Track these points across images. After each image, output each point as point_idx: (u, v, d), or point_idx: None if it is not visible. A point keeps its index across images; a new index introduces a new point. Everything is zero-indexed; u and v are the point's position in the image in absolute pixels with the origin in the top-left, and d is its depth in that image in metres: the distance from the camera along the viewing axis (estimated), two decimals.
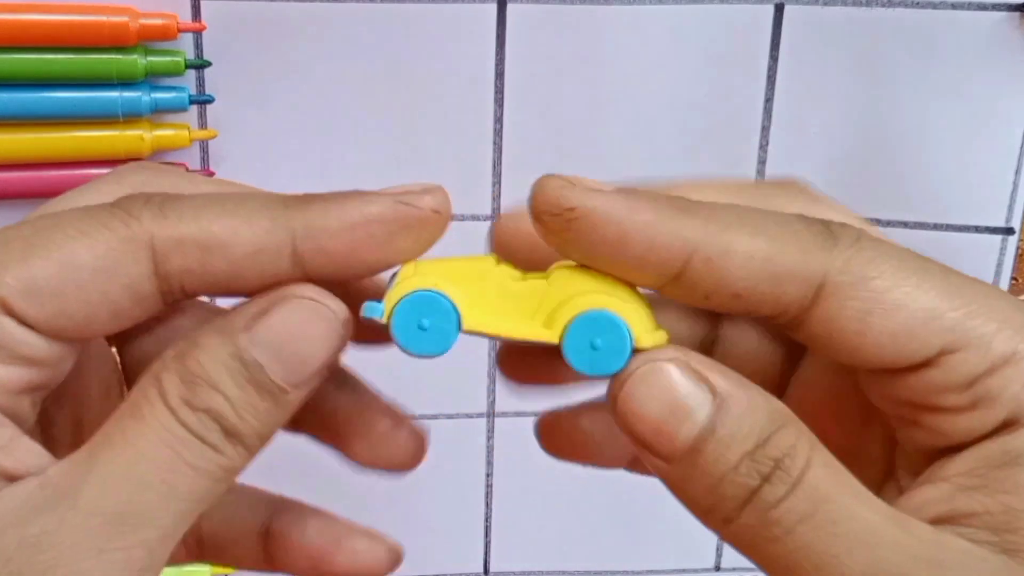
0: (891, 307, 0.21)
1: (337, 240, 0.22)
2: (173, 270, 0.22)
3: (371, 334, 0.24)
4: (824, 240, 0.22)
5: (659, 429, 0.21)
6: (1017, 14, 0.44)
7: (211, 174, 0.44)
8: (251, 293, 0.23)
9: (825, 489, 0.21)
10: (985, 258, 0.48)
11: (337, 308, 0.22)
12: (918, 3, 0.44)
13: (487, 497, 0.51)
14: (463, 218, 0.46)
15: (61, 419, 0.25)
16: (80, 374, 0.25)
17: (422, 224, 0.23)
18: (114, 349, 0.26)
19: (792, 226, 0.22)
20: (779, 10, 0.44)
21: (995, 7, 0.44)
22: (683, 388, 0.21)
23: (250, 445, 0.22)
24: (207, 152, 0.44)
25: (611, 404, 0.22)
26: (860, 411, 0.24)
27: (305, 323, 0.22)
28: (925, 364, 0.21)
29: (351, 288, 0.24)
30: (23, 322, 0.21)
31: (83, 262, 0.21)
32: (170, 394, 0.21)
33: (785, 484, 0.20)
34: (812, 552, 0.20)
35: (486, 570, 0.53)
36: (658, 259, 0.21)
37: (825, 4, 0.44)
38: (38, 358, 0.22)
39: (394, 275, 0.23)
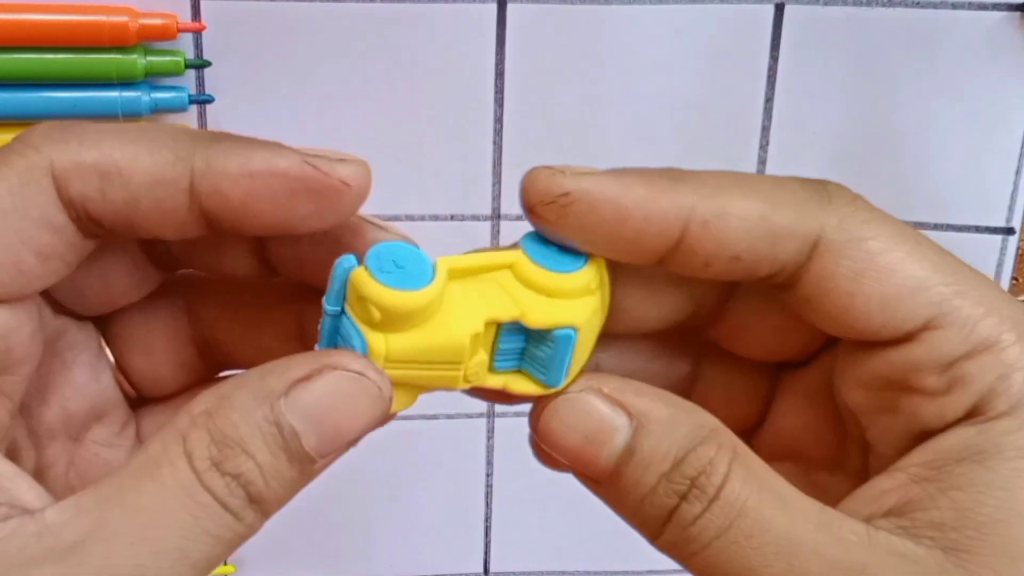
0: (884, 270, 0.21)
1: (234, 185, 0.21)
2: (75, 196, 0.21)
3: None
4: (820, 198, 0.22)
5: (580, 457, 0.21)
6: (1017, 14, 0.44)
7: None
8: (148, 231, 0.22)
9: (742, 502, 0.20)
10: (985, 258, 0.48)
11: (382, 384, 0.21)
12: (918, 3, 0.44)
13: (487, 497, 0.51)
14: (463, 218, 0.46)
15: (48, 415, 0.25)
16: (60, 363, 0.25)
17: (327, 192, 0.21)
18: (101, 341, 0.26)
19: (786, 185, 0.22)
20: (779, 10, 0.44)
21: (995, 7, 0.44)
22: (597, 415, 0.21)
23: (267, 512, 0.21)
24: None
25: (533, 438, 0.22)
26: (837, 428, 0.24)
27: (348, 397, 0.21)
28: (907, 339, 0.21)
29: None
30: None
31: None
32: (196, 455, 0.20)
33: (702, 501, 0.21)
34: (730, 566, 0.20)
35: (486, 570, 0.53)
36: (656, 230, 0.21)
37: (825, 4, 0.44)
38: None
39: (348, 271, 0.22)
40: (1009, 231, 0.47)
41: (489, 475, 0.51)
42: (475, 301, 0.22)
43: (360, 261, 0.22)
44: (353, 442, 0.21)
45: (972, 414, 0.21)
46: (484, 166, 0.46)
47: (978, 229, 0.47)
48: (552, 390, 0.23)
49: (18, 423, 0.24)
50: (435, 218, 0.46)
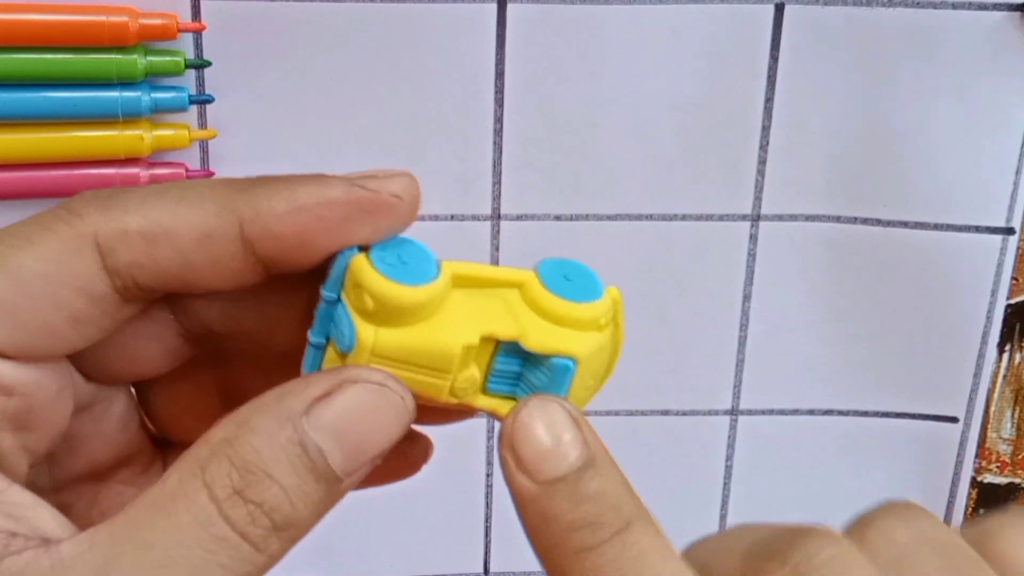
0: None
1: (285, 223, 0.21)
2: (121, 264, 0.21)
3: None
4: None
5: (543, 454, 0.20)
6: (1017, 14, 0.44)
7: (211, 174, 0.44)
8: (204, 286, 0.22)
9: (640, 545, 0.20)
10: (985, 258, 0.48)
11: (405, 395, 0.21)
12: (918, 3, 0.44)
13: (487, 497, 0.51)
14: (463, 218, 0.46)
15: (74, 464, 0.24)
16: (90, 417, 0.24)
17: (380, 209, 0.21)
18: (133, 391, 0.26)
19: None
20: (779, 10, 0.44)
21: (995, 7, 0.44)
22: (567, 428, 0.21)
23: (294, 538, 0.20)
24: (207, 152, 0.44)
25: (507, 424, 0.21)
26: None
27: (372, 409, 0.20)
28: None
29: None
30: None
31: (30, 270, 0.20)
32: (217, 484, 0.19)
33: (603, 538, 0.20)
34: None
35: (486, 570, 0.53)
36: None
37: (825, 4, 0.44)
38: (6, 384, 0.21)
39: (346, 264, 0.21)
40: (1009, 231, 0.47)
41: (489, 475, 0.51)
42: (475, 313, 0.22)
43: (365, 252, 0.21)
44: (378, 457, 0.21)
45: None
46: (484, 166, 0.46)
47: (978, 229, 0.47)
48: None
49: (40, 470, 0.23)
50: (435, 218, 0.46)
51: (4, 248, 0.21)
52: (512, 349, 0.22)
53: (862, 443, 0.52)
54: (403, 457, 0.25)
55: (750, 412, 0.51)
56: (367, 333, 0.21)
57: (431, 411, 0.23)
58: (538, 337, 0.22)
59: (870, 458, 0.52)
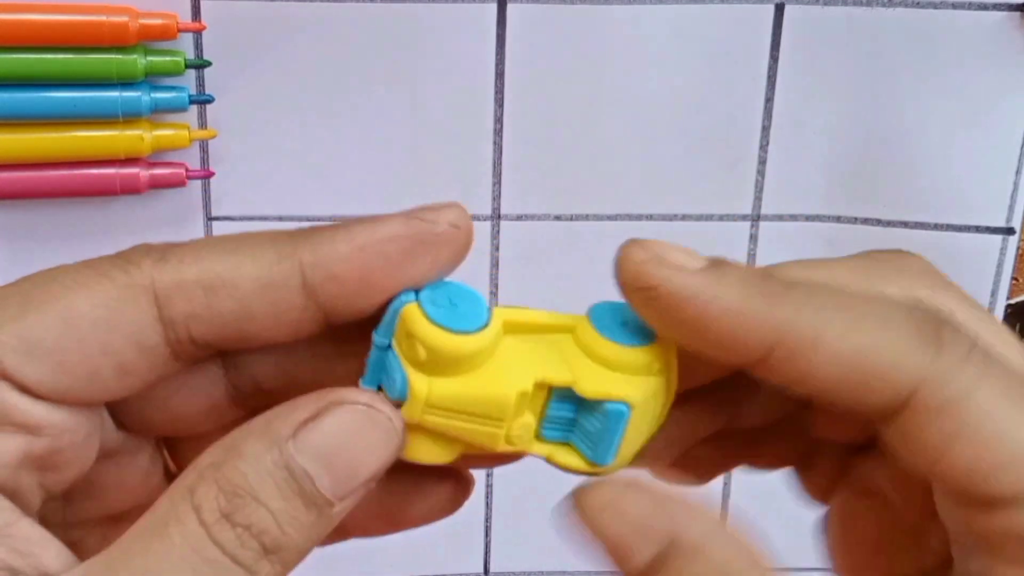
0: (978, 437, 0.19)
1: (348, 264, 0.20)
2: (178, 315, 0.21)
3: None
4: (928, 345, 0.20)
5: (613, 553, 0.21)
6: (1017, 14, 0.44)
7: (211, 174, 0.44)
8: (262, 338, 0.21)
9: None
10: (985, 258, 0.48)
11: (393, 415, 0.21)
12: (918, 3, 0.44)
13: (487, 497, 0.51)
14: None
15: (91, 507, 0.24)
16: (114, 466, 0.24)
17: (440, 240, 0.21)
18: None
19: (894, 322, 0.20)
20: (779, 10, 0.44)
21: (995, 7, 0.44)
22: (634, 522, 0.20)
23: (287, 562, 0.20)
24: (207, 152, 0.44)
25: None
26: (930, 502, 0.23)
27: (359, 431, 0.20)
28: (991, 505, 0.20)
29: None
30: (19, 384, 0.20)
31: (82, 313, 0.20)
32: (205, 508, 0.19)
33: None
34: None
35: (486, 570, 0.53)
36: (740, 345, 0.20)
37: (825, 4, 0.44)
38: (35, 424, 0.20)
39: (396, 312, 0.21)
40: (1009, 231, 0.47)
41: (489, 475, 0.51)
42: (528, 359, 0.21)
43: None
44: (370, 480, 0.20)
45: None
46: (484, 166, 0.46)
47: (978, 229, 0.47)
48: (598, 468, 0.22)
49: (55, 505, 0.23)
50: None
51: (57, 288, 0.20)
52: (566, 395, 0.22)
53: None
54: (446, 496, 0.25)
55: None
56: (421, 385, 0.21)
57: (481, 456, 0.22)
58: (592, 382, 0.21)
59: None
